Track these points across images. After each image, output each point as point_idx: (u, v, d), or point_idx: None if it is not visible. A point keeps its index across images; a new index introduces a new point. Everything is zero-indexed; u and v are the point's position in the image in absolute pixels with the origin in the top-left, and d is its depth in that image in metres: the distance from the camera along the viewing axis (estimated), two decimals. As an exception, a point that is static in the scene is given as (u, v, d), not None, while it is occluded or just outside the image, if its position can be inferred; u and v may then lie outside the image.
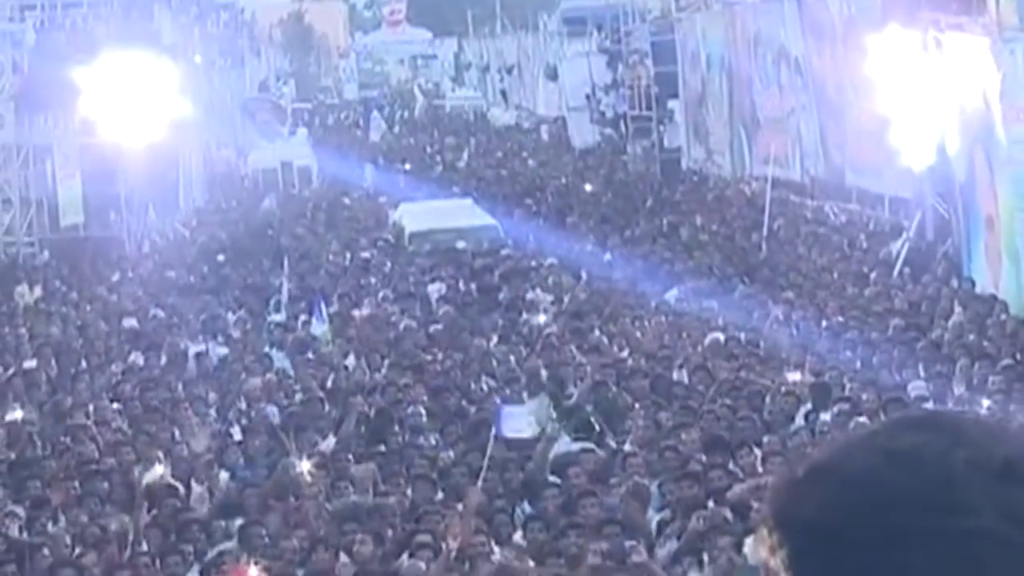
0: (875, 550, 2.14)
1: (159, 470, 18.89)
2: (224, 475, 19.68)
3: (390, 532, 17.31)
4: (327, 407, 22.70)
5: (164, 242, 40.57)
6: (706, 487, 17.96)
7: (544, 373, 24.18)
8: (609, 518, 17.11)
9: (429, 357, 26.29)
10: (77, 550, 16.70)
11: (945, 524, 2.11)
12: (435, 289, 32.03)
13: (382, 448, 20.53)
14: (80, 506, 18.15)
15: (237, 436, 21.45)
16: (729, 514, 16.84)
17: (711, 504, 17.47)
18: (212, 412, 22.69)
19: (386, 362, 25.97)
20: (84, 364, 26.26)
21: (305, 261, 36.50)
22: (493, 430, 19.35)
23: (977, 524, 2.10)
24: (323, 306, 29.43)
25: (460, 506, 17.00)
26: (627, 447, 20.12)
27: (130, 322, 30.04)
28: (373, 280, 34.35)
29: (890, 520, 2.13)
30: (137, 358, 26.88)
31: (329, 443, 20.52)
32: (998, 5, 27.18)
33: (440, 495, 18.49)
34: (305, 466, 18.72)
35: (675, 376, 23.95)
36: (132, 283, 34.91)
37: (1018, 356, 23.18)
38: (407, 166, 54.16)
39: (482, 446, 19.59)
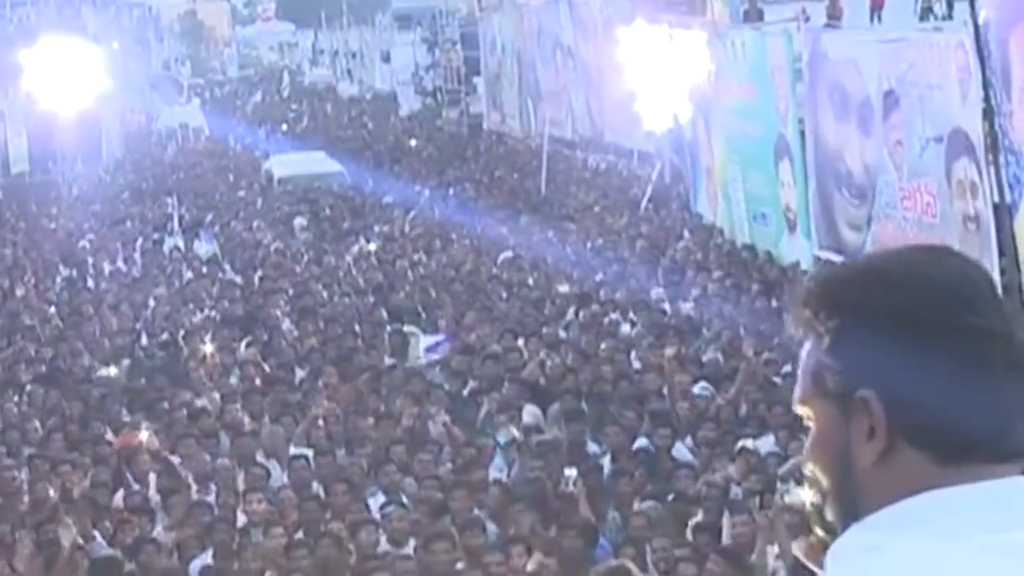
0: (915, 332, 2.12)
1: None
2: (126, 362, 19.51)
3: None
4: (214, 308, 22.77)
5: (90, 185, 40.18)
6: (504, 365, 18.11)
7: (381, 280, 24.34)
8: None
9: (296, 268, 26.35)
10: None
11: (969, 321, 2.11)
12: (297, 222, 31.96)
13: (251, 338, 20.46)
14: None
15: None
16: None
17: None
18: (127, 312, 22.59)
19: (258, 272, 26.00)
20: (30, 278, 26.06)
21: (198, 198, 36.30)
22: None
23: (989, 323, 2.12)
24: (212, 231, 29.42)
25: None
26: (439, 335, 20.27)
27: (63, 245, 29.83)
28: (249, 213, 34.23)
29: (928, 311, 2.11)
30: (69, 273, 26.76)
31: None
32: (714, 9, 27.56)
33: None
34: (208, 348, 18.75)
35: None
36: (65, 216, 34.61)
37: (731, 269, 23.46)
38: (284, 127, 53.67)
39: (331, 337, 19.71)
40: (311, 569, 11.60)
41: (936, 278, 2.15)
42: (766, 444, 14.33)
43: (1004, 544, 2.03)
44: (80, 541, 12.31)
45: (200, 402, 16.83)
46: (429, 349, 19.43)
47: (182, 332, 20.71)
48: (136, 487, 14.03)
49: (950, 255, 2.21)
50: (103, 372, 18.64)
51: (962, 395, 2.10)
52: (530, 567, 11.38)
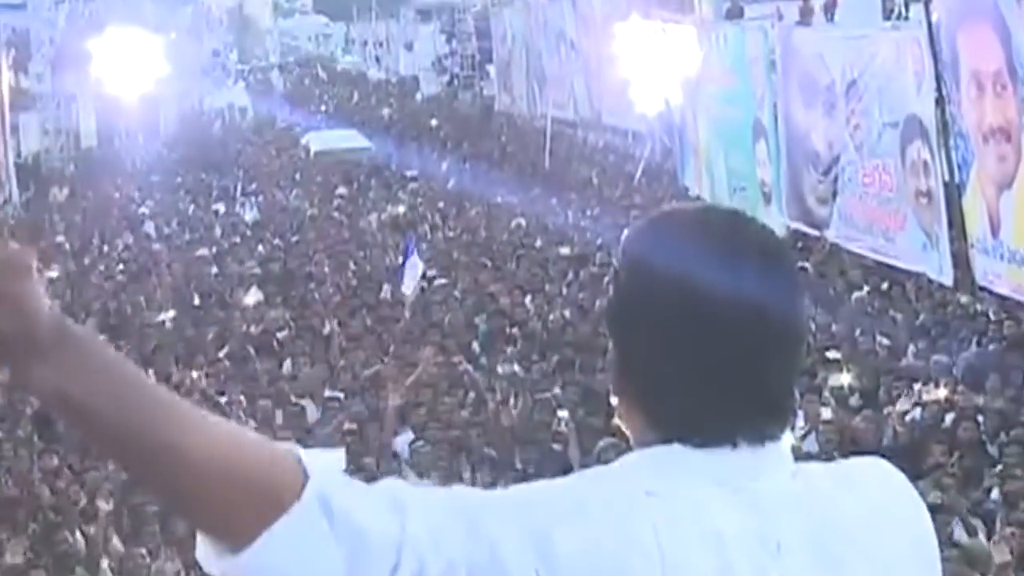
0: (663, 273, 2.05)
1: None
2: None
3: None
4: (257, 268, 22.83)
5: (149, 158, 40.27)
6: (511, 319, 18.21)
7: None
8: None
9: (332, 231, 26.43)
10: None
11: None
12: (337, 191, 32.07)
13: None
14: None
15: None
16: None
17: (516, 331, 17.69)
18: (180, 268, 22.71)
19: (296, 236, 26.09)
20: (96, 240, 26.16)
21: (244, 170, 36.35)
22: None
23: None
24: (256, 199, 29.50)
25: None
26: (456, 292, 20.35)
27: (127, 211, 29.94)
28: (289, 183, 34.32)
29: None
30: (128, 236, 26.86)
31: (257, 295, 20.45)
32: (701, 6, 27.54)
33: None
34: (251, 299, 18.84)
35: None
36: (129, 185, 34.69)
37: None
38: (333, 111, 53.50)
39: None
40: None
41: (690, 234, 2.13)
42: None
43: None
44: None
45: (239, 348, 16.94)
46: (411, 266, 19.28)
47: (228, 287, 20.84)
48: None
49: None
50: (160, 317, 18.73)
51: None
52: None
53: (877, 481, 2.17)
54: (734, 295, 2.02)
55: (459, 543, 1.92)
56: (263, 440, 1.90)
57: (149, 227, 27.65)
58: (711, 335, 2.03)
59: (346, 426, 13.79)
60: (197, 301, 20.25)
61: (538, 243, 24.22)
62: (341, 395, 14.99)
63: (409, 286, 18.81)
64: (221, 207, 30.37)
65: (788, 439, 2.14)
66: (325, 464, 1.89)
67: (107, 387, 1.81)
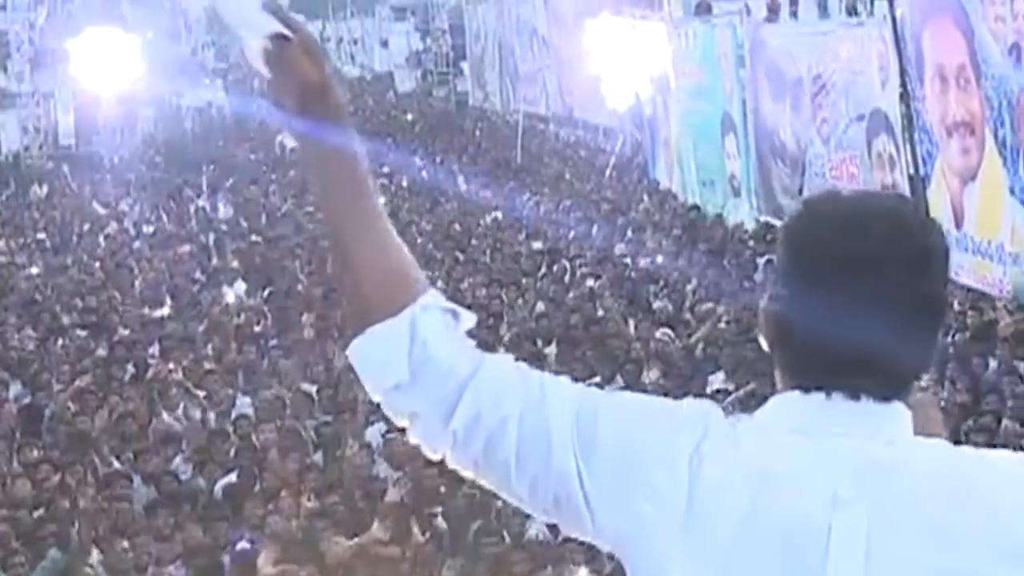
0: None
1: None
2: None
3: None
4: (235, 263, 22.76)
5: (127, 156, 40.14)
6: (487, 312, 18.19)
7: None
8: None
9: (311, 225, 26.34)
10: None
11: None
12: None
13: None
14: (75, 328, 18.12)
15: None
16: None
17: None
18: (162, 266, 22.64)
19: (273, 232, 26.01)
20: (75, 237, 26.04)
21: (220, 166, 36.19)
22: None
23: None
24: (232, 195, 29.47)
25: None
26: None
27: (104, 208, 29.82)
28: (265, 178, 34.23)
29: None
30: (109, 231, 26.74)
31: (238, 288, 20.43)
32: (670, 3, 27.57)
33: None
34: (230, 296, 18.78)
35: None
36: (106, 183, 34.56)
37: (684, 228, 23.54)
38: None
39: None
40: (321, 490, 11.63)
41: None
42: (716, 380, 14.43)
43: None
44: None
45: (221, 343, 16.88)
46: None
47: (208, 282, 20.77)
48: (166, 417, 14.03)
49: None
50: (139, 312, 18.65)
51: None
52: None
53: (1009, 477, 2.16)
54: (848, 257, 2.16)
55: (517, 406, 2.22)
56: (411, 264, 2.33)
57: (128, 223, 27.53)
58: (820, 291, 2.18)
59: (321, 418, 13.75)
60: (177, 296, 20.11)
61: (511, 237, 24.20)
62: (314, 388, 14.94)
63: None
64: (200, 203, 30.27)
65: (900, 409, 2.19)
66: (436, 302, 2.28)
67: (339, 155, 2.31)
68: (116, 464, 12.55)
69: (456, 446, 2.26)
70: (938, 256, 2.20)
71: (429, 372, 2.22)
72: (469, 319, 2.33)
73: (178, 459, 12.93)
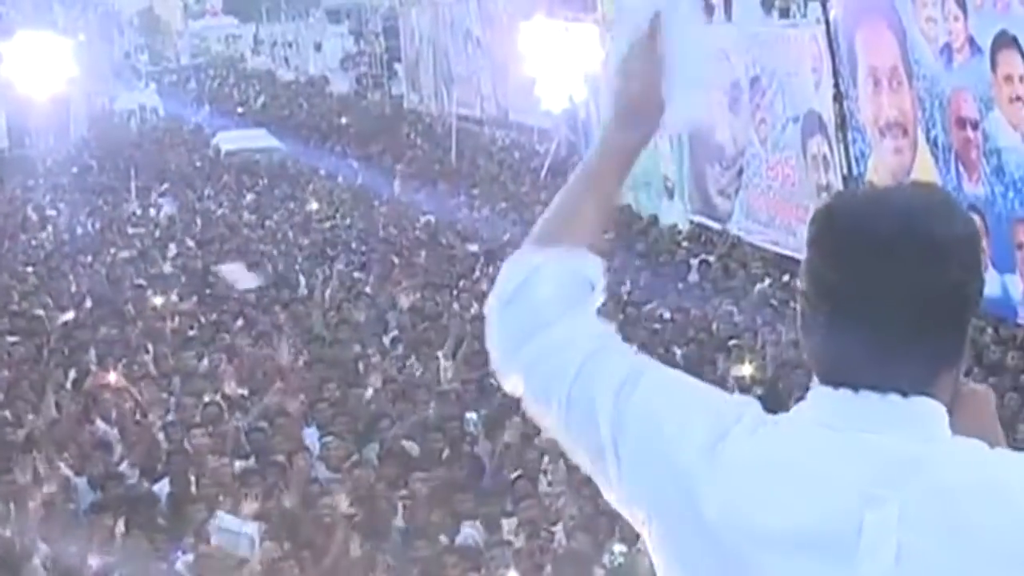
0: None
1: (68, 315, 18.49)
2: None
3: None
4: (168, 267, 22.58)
5: (60, 159, 39.79)
6: (422, 315, 18.08)
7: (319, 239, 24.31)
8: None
9: (245, 230, 26.17)
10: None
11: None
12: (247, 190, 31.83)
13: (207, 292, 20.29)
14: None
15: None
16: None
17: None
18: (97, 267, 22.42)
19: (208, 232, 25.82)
20: (6, 242, 25.70)
21: (155, 170, 35.90)
22: None
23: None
24: (172, 197, 29.29)
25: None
26: (368, 289, 20.20)
27: (37, 212, 29.50)
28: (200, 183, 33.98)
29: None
30: (43, 235, 26.44)
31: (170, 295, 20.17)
32: (604, 5, 27.56)
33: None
34: (159, 300, 18.52)
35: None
36: (40, 186, 34.24)
37: (617, 229, 23.52)
38: (242, 111, 52.71)
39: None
40: (260, 495, 11.55)
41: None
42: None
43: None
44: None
45: (156, 348, 16.69)
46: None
47: (143, 287, 20.56)
48: (100, 424, 13.85)
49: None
50: (65, 317, 18.38)
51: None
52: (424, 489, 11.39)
53: None
54: (860, 246, 2.14)
55: (575, 362, 2.33)
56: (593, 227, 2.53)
57: (61, 227, 27.23)
58: (840, 289, 2.16)
59: (258, 424, 13.63)
60: (110, 300, 19.88)
61: (446, 239, 24.14)
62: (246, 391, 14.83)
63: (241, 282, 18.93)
64: (133, 207, 30.02)
65: (931, 405, 2.14)
66: (597, 271, 2.46)
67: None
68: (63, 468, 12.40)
69: (520, 375, 2.40)
70: (959, 246, 2.14)
71: (533, 297, 2.43)
72: (599, 295, 2.47)
73: (124, 464, 12.78)
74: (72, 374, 15.54)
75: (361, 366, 15.59)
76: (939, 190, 2.27)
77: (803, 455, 2.13)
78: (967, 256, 2.16)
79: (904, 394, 2.13)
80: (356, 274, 21.37)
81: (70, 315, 18.61)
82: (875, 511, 2.06)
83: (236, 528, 10.42)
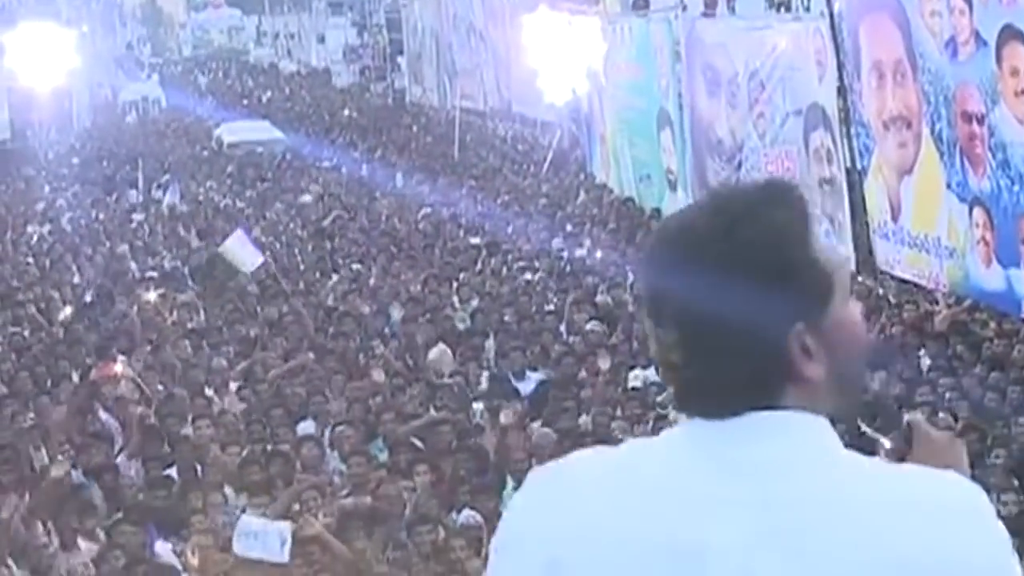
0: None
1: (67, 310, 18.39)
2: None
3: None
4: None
5: (63, 150, 39.74)
6: (424, 306, 18.03)
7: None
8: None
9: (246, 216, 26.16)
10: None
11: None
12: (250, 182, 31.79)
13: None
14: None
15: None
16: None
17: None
18: (99, 259, 22.37)
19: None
20: (8, 232, 25.62)
21: (157, 161, 35.84)
22: None
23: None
24: (176, 186, 29.24)
25: None
26: (372, 281, 20.15)
27: (39, 204, 29.44)
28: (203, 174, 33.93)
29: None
30: (45, 228, 26.37)
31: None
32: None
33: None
34: (152, 296, 18.41)
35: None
36: (41, 178, 34.18)
37: (620, 222, 23.52)
38: (245, 103, 52.53)
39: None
40: (263, 483, 11.53)
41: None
42: (652, 374, 14.33)
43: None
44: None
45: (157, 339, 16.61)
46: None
47: (140, 278, 20.50)
48: (103, 416, 13.77)
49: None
50: (65, 312, 18.30)
51: None
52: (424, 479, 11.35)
53: (904, 500, 2.01)
54: (646, 284, 2.13)
55: None
56: None
57: (64, 220, 27.16)
58: (650, 321, 2.12)
59: (253, 415, 13.59)
60: (113, 292, 19.81)
61: (448, 232, 24.08)
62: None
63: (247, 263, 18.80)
64: (136, 198, 29.98)
65: (786, 420, 2.05)
66: None
67: None
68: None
69: None
70: (756, 261, 2.04)
71: None
72: None
73: (121, 457, 12.71)
74: (74, 367, 15.47)
75: (363, 358, 15.54)
76: (749, 198, 2.11)
77: (658, 472, 2.06)
78: (768, 268, 2.03)
79: (756, 409, 2.05)
80: (355, 266, 21.33)
81: (71, 308, 18.54)
82: (724, 528, 1.99)
83: (263, 529, 9.91)
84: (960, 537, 1.98)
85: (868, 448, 2.19)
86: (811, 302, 2.06)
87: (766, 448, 2.03)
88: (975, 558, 1.97)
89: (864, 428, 2.52)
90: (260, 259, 18.90)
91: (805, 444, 2.04)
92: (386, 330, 17.18)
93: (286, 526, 10.10)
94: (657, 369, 14.51)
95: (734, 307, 2.02)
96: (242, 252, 18.71)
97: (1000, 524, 2.02)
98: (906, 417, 2.37)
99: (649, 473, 2.07)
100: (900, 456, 2.33)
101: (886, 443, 2.47)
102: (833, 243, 17.42)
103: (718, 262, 2.03)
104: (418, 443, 12.46)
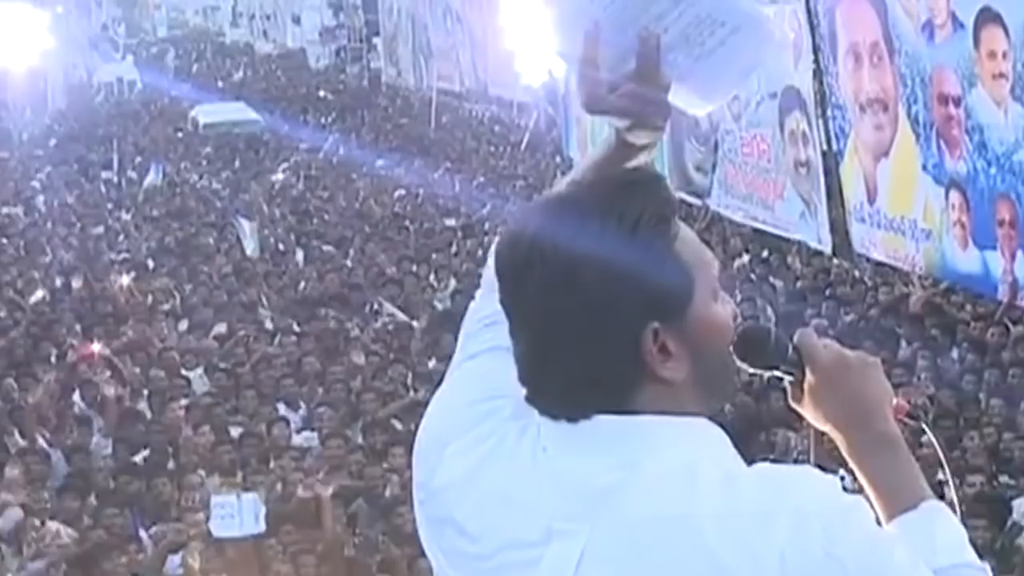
0: None
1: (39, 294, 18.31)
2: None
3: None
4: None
5: (37, 131, 39.57)
6: (401, 288, 18.02)
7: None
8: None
9: (218, 203, 26.09)
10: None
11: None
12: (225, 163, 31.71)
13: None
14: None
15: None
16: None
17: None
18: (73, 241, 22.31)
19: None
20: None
21: (132, 143, 35.68)
22: None
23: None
24: (158, 166, 29.21)
25: None
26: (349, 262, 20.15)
27: (11, 186, 29.28)
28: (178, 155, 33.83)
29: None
30: (18, 208, 26.23)
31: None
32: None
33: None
34: (125, 281, 18.31)
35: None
36: (15, 159, 34.02)
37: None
38: (221, 84, 52.21)
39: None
40: (235, 463, 11.55)
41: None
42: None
43: None
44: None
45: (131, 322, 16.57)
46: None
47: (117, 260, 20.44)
48: (77, 399, 13.74)
49: None
50: (37, 295, 18.20)
51: None
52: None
53: (744, 513, 1.94)
54: (503, 281, 2.09)
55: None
56: None
57: (38, 201, 27.02)
58: (510, 321, 2.10)
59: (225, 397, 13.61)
60: (88, 275, 19.74)
61: (424, 213, 24.05)
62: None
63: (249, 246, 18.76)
64: (113, 179, 29.88)
65: (633, 425, 2.01)
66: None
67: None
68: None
69: None
70: (613, 247, 1.99)
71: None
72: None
73: (96, 436, 12.71)
74: (54, 348, 15.45)
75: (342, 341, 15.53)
76: (607, 190, 2.07)
77: (511, 478, 2.05)
78: (619, 263, 1.99)
79: (604, 413, 2.02)
80: (326, 247, 21.29)
81: (44, 291, 18.46)
82: (559, 544, 1.97)
83: (234, 505, 9.83)
84: (810, 542, 1.90)
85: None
86: (669, 299, 2.02)
87: (603, 461, 1.99)
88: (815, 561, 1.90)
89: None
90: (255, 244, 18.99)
91: (641, 456, 1.99)
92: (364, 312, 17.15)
93: (256, 497, 10.10)
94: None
95: (586, 303, 1.98)
96: (248, 235, 18.89)
97: (860, 524, 1.95)
98: (795, 336, 2.24)
99: (497, 479, 2.06)
100: (799, 382, 2.22)
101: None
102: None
103: (573, 253, 1.98)
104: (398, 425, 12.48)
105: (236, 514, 9.76)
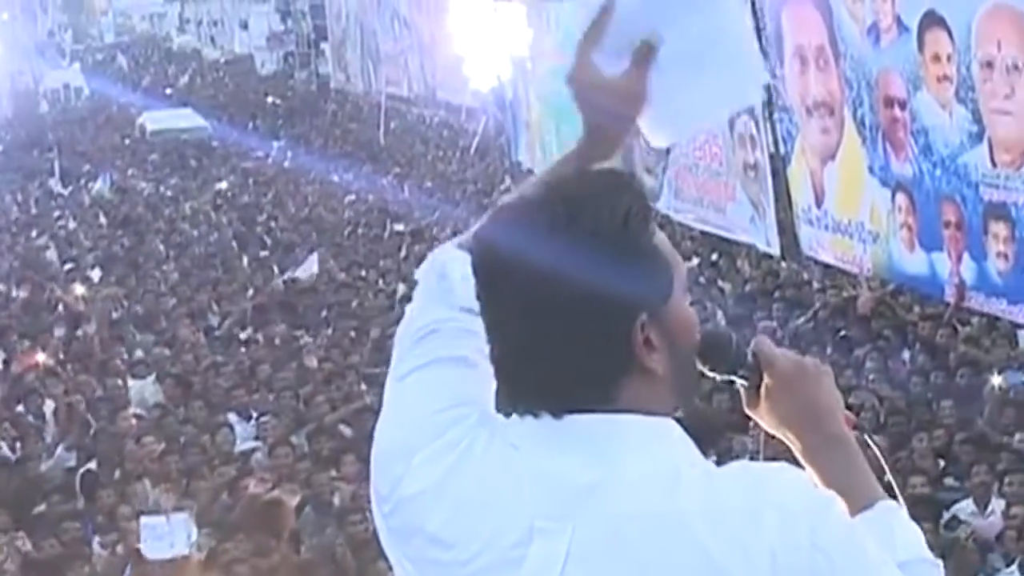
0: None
1: None
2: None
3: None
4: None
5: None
6: (358, 295, 17.99)
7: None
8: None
9: (166, 209, 25.98)
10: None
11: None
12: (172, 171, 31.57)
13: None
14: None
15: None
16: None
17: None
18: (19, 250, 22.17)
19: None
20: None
21: (79, 151, 35.46)
22: None
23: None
24: (107, 175, 29.08)
25: None
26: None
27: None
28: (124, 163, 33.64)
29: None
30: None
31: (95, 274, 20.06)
32: (532, -17, 27.46)
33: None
34: (79, 290, 18.18)
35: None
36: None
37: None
38: (168, 91, 51.91)
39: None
40: (180, 473, 11.48)
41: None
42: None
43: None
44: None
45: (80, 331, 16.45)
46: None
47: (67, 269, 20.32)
48: (20, 408, 13.66)
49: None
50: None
51: None
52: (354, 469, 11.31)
53: (730, 510, 1.95)
54: (482, 271, 2.09)
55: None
56: None
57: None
58: (485, 320, 2.10)
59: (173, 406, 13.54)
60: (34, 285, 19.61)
61: (373, 219, 24.01)
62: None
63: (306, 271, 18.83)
64: (58, 187, 29.68)
65: (613, 423, 2.01)
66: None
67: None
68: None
69: None
70: (608, 237, 2.01)
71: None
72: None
73: (60, 448, 12.60)
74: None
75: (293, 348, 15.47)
76: (590, 186, 2.11)
77: (485, 481, 2.05)
78: (614, 253, 2.01)
79: (588, 407, 2.02)
80: (262, 253, 21.24)
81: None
82: (542, 543, 1.97)
83: (163, 526, 9.59)
84: (781, 539, 1.92)
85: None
86: (655, 291, 2.04)
87: (580, 459, 1.99)
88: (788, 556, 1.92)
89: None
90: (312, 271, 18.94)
91: (619, 454, 2.00)
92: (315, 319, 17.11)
93: (187, 517, 9.95)
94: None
95: (582, 294, 1.99)
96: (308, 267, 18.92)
97: (840, 516, 1.98)
98: (752, 343, 2.27)
99: (471, 483, 2.06)
100: (755, 386, 2.25)
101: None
102: (759, 228, 17.53)
103: (564, 248, 1.99)
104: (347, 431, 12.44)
105: (166, 535, 9.56)
